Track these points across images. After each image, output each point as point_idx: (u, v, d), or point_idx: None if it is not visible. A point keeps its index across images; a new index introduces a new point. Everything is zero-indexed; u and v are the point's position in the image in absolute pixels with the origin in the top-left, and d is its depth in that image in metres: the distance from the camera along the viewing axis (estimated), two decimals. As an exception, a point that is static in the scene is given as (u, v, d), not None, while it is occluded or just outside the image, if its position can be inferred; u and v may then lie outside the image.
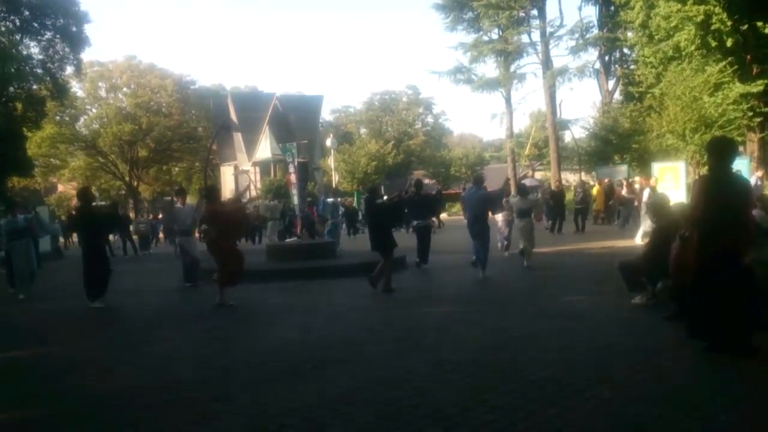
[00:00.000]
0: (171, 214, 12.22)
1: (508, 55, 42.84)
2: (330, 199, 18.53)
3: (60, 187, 65.25)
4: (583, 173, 36.03)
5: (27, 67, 29.11)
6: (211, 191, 10.50)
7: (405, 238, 16.45)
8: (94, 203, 11.25)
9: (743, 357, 5.01)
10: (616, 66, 42.43)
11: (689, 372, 4.95)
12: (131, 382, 5.45)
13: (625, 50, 40.16)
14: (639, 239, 14.36)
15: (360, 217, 29.57)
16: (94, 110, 57.10)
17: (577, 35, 41.66)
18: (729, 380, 4.72)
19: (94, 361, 6.47)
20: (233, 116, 52.40)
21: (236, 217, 10.26)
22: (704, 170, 5.72)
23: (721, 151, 5.32)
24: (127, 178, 57.50)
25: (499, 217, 14.32)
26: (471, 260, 11.64)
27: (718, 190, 5.15)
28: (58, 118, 49.13)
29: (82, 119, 56.45)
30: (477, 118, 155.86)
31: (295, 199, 20.96)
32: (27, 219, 12.37)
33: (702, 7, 23.92)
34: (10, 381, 5.90)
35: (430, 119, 71.65)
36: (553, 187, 23.56)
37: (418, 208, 13.68)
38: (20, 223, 11.88)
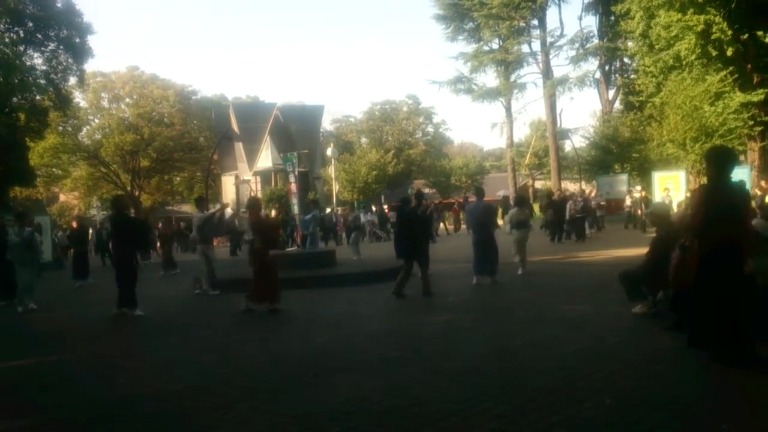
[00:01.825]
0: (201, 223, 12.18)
1: (508, 64, 43.05)
2: (308, 215, 18.82)
3: (62, 197, 65.35)
4: (583, 182, 36.02)
5: (30, 78, 29.26)
6: (253, 203, 10.62)
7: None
8: (127, 212, 10.99)
9: (745, 366, 5.00)
10: (617, 75, 42.60)
11: (689, 381, 4.94)
12: (132, 391, 5.45)
13: (626, 60, 40.34)
14: None
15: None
16: (96, 120, 57.29)
17: (577, 45, 41.89)
18: (729, 389, 4.71)
19: (95, 370, 6.47)
20: (235, 126, 52.55)
21: (275, 226, 10.44)
22: (704, 179, 5.73)
23: (720, 161, 5.33)
24: (128, 188, 57.57)
25: None
26: (473, 282, 11.39)
27: (717, 199, 5.17)
28: (60, 128, 49.29)
29: (84, 129, 56.63)
30: (477, 127, 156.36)
31: (296, 209, 21.03)
32: (30, 233, 12.13)
33: (702, 17, 24.02)
34: (10, 390, 5.90)
35: (430, 129, 71.74)
36: (554, 197, 23.60)
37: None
38: (26, 236, 11.66)
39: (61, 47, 31.00)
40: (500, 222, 14.82)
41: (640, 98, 31.88)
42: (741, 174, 18.85)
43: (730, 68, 24.92)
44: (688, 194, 20.13)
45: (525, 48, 43.65)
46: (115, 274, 10.12)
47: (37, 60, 31.20)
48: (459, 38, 44.48)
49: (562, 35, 42.26)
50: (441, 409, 4.47)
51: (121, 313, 9.84)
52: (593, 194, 26.18)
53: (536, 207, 28.51)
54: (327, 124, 69.79)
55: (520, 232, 12.80)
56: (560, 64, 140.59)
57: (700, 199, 5.30)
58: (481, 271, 11.34)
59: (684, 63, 26.21)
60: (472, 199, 17.81)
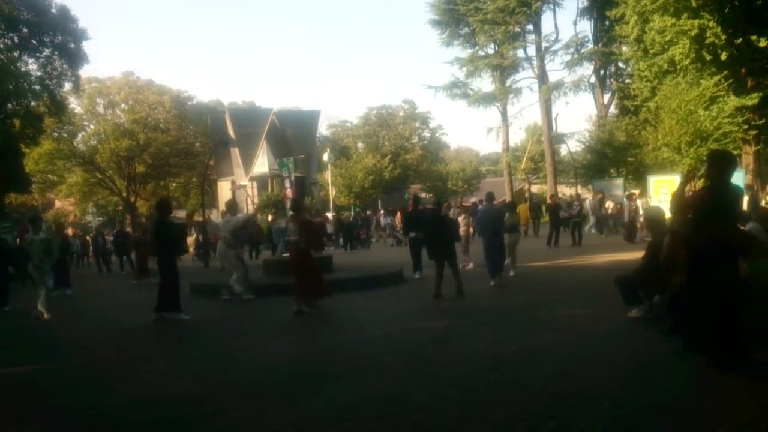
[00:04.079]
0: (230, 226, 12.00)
1: (503, 69, 43.15)
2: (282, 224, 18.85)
3: (57, 203, 65.14)
4: (579, 187, 36.07)
5: (25, 84, 29.21)
6: (298, 204, 10.64)
7: (399, 253, 16.46)
8: (171, 215, 10.67)
9: (740, 371, 5.00)
10: (612, 80, 42.72)
11: (686, 386, 4.94)
12: (128, 398, 5.42)
13: (620, 64, 40.44)
14: None
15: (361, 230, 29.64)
16: (91, 126, 57.14)
17: (572, 50, 42.01)
18: (726, 394, 4.71)
19: (93, 378, 6.44)
20: (231, 132, 52.56)
21: (320, 228, 10.45)
22: (700, 183, 5.73)
23: (722, 165, 5.33)
24: (124, 194, 57.44)
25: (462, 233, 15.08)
26: (491, 284, 11.63)
27: (717, 203, 5.17)
28: (56, 134, 49.15)
29: (79, 135, 56.43)
30: (473, 132, 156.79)
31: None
32: (46, 238, 11.70)
33: (696, 21, 24.13)
34: (9, 398, 5.86)
35: (426, 134, 71.76)
36: (549, 201, 23.59)
37: (415, 222, 14.22)
38: (40, 240, 11.35)
39: (56, 53, 30.96)
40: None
41: (635, 102, 31.97)
42: (737, 178, 18.90)
43: (725, 72, 25.02)
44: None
45: (520, 53, 43.79)
46: (159, 278, 9.95)
47: (32, 66, 31.18)
48: (455, 43, 44.58)
49: (557, 40, 42.44)
50: (438, 415, 4.46)
51: (160, 318, 9.66)
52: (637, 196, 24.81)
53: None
54: (323, 129, 69.95)
55: (512, 235, 13.14)
56: (555, 69, 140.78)
57: (700, 198, 5.32)
58: (496, 273, 11.66)
59: (678, 67, 26.32)
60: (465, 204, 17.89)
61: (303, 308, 9.55)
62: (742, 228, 6.02)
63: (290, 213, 10.70)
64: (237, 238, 12.05)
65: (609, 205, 24.93)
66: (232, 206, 12.89)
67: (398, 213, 30.47)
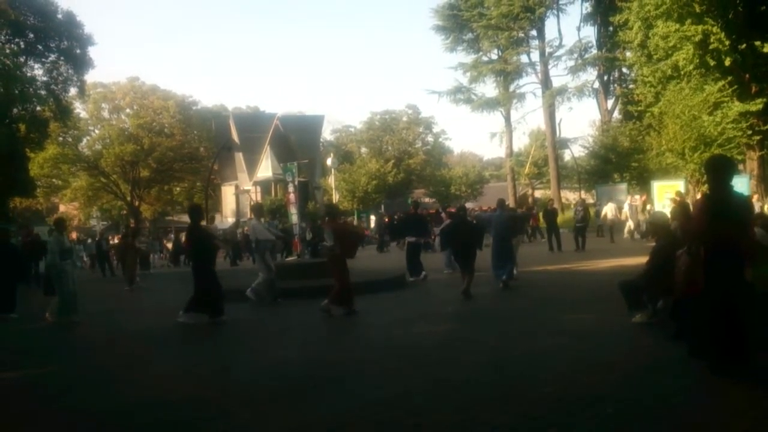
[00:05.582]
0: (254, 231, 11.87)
1: (507, 75, 43.25)
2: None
3: (62, 208, 65.38)
4: (582, 192, 36.05)
5: (31, 89, 29.37)
6: (332, 209, 10.63)
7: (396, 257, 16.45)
8: (203, 221, 10.56)
9: (744, 377, 4.98)
10: (615, 85, 42.76)
11: (689, 390, 4.92)
12: (130, 402, 5.42)
13: (624, 70, 40.50)
14: None
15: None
16: (96, 131, 57.42)
17: (576, 55, 42.09)
18: (729, 398, 4.69)
19: (94, 381, 6.45)
20: (235, 136, 52.71)
21: (354, 233, 10.52)
22: (705, 188, 5.76)
23: (719, 170, 5.34)
24: (128, 198, 57.63)
25: None
26: (501, 281, 11.84)
27: (718, 208, 5.17)
28: (60, 139, 49.42)
29: (84, 140, 56.73)
30: (477, 137, 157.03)
31: (294, 219, 21.02)
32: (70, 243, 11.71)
33: (700, 27, 24.12)
34: (11, 401, 5.87)
35: (430, 138, 71.88)
36: (548, 207, 23.63)
37: (414, 226, 14.32)
38: (67, 243, 11.26)
39: (62, 58, 31.16)
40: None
41: (639, 108, 31.96)
42: (740, 183, 18.82)
43: (729, 78, 24.98)
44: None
45: (524, 58, 43.92)
46: (194, 284, 9.77)
47: (38, 71, 31.40)
48: (458, 49, 44.75)
49: (560, 45, 42.57)
50: (440, 420, 4.45)
51: (217, 322, 9.49)
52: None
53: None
54: (327, 134, 70.05)
55: (515, 238, 13.32)
56: (559, 74, 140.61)
57: (703, 207, 5.31)
58: (502, 276, 11.86)
59: (682, 73, 26.28)
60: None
61: (332, 310, 9.49)
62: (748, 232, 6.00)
63: (326, 218, 10.67)
64: (262, 242, 11.91)
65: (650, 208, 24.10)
66: (258, 209, 12.81)
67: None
